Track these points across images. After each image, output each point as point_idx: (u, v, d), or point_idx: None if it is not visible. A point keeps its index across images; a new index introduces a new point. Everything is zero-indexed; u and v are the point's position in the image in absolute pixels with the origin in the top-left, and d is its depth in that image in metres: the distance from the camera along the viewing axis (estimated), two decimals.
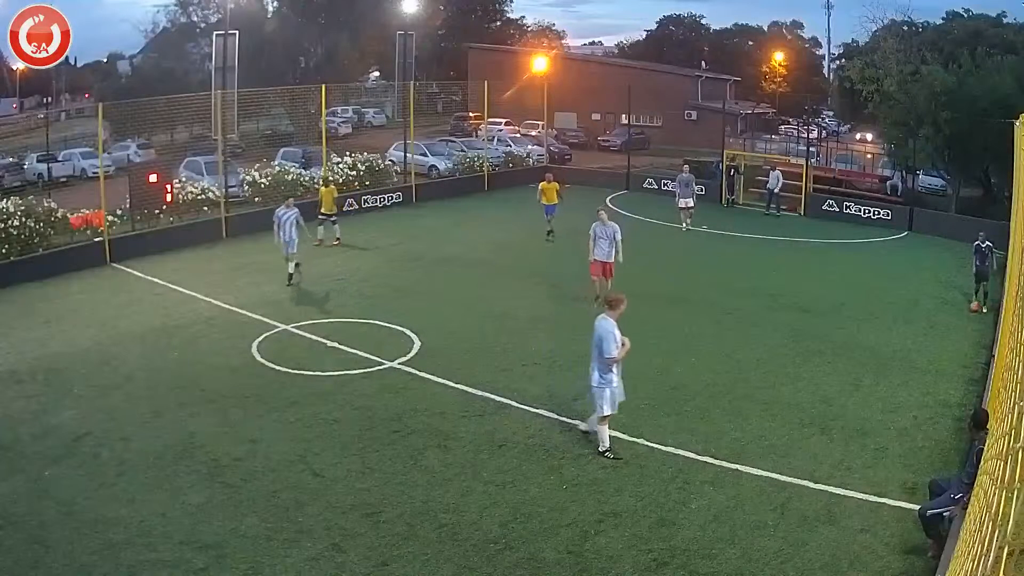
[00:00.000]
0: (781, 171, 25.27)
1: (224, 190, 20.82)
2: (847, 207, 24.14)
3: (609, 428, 9.08)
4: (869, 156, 33.90)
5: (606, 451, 8.98)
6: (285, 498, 8.10)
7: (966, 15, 32.79)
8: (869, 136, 37.80)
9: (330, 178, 22.40)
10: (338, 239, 19.56)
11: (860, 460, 8.95)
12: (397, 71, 28.23)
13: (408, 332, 13.04)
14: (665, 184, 27.95)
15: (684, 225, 21.97)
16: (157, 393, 10.67)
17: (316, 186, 23.60)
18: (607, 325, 8.92)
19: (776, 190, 24.70)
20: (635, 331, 13.33)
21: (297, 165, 25.62)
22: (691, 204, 22.21)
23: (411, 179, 26.38)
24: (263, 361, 11.89)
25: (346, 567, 7.02)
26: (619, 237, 14.45)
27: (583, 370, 11.49)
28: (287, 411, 10.15)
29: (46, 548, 7.20)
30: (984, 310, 14.71)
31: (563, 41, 71.94)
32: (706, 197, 26.83)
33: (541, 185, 20.73)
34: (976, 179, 26.84)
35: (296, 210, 16.22)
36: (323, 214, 19.57)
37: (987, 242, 15.34)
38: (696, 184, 25.62)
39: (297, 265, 16.11)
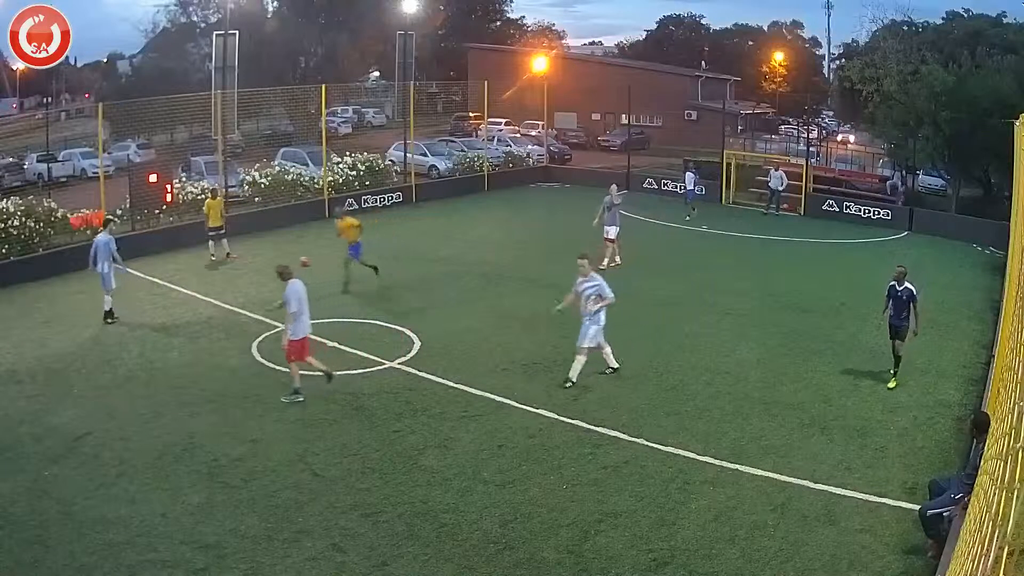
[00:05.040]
0: (784, 171, 25.23)
1: (224, 190, 20.80)
2: (847, 207, 24.14)
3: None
4: (866, 155, 33.95)
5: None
6: (285, 498, 8.11)
7: (966, 15, 32.71)
8: (852, 137, 37.82)
9: (216, 188, 19.74)
10: (229, 253, 18.15)
11: (860, 460, 8.95)
12: (397, 71, 28.18)
13: (408, 332, 13.04)
14: (665, 184, 28.01)
15: (605, 261, 17.06)
16: (157, 393, 10.67)
17: (317, 186, 23.68)
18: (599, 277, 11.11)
19: (780, 189, 24.65)
20: (635, 331, 13.42)
21: (297, 164, 25.61)
22: (611, 236, 17.36)
23: (411, 179, 26.38)
24: (263, 361, 11.89)
25: (346, 567, 7.02)
26: (294, 308, 10.39)
27: (584, 369, 11.52)
28: (287, 411, 10.15)
29: (46, 548, 7.20)
30: (893, 384, 11.02)
31: (563, 41, 71.99)
32: (705, 197, 26.88)
33: (336, 223, 16.59)
34: (976, 179, 26.85)
35: (111, 236, 13.89)
36: (212, 229, 18.05)
37: (907, 283, 10.96)
38: (698, 184, 25.44)
39: (110, 314, 13.66)
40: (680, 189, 26.99)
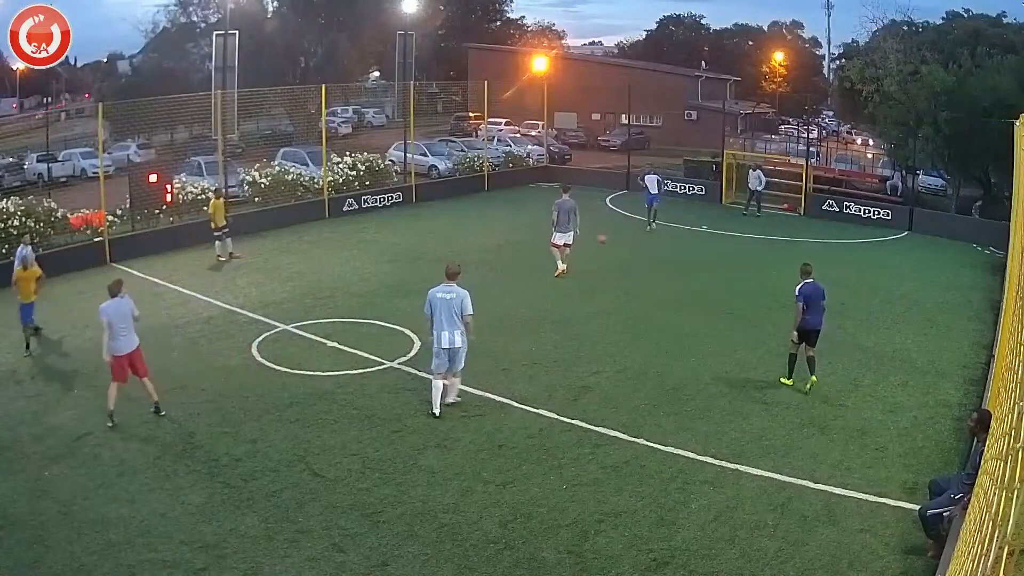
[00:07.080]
0: (762, 170, 25.18)
1: (224, 190, 20.81)
2: (847, 207, 24.14)
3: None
4: (869, 156, 33.98)
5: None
6: (285, 498, 8.11)
7: (966, 15, 32.76)
8: (869, 141, 37.84)
9: (220, 188, 19.51)
10: (232, 253, 18.06)
11: (860, 460, 8.95)
12: (397, 71, 28.18)
13: (408, 332, 13.04)
14: (665, 184, 27.99)
15: (559, 266, 16.39)
16: (157, 393, 10.65)
17: (317, 186, 23.68)
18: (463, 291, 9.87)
19: (760, 189, 24.58)
20: (635, 331, 13.42)
21: (297, 164, 25.61)
22: (568, 241, 16.33)
23: (411, 179, 26.39)
24: (263, 361, 11.89)
25: (346, 567, 7.02)
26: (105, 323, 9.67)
27: (584, 369, 11.56)
28: (287, 411, 10.14)
29: (46, 548, 7.20)
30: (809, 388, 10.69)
31: (563, 41, 72.10)
32: (704, 197, 26.91)
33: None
34: (976, 179, 26.85)
35: (30, 247, 13.21)
36: (218, 229, 17.94)
37: (804, 282, 11.20)
38: (664, 187, 24.41)
39: (37, 329, 12.66)
40: (680, 190, 27.06)
